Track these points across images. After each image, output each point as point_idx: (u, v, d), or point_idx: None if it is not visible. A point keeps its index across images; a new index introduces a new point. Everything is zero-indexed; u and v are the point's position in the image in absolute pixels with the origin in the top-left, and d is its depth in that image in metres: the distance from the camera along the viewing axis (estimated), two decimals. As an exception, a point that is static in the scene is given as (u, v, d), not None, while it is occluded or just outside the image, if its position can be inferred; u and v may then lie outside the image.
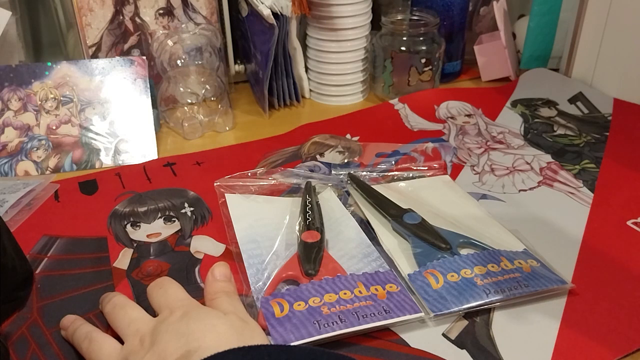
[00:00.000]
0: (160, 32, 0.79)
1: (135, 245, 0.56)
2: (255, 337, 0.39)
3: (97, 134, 0.71)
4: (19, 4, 0.81)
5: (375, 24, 0.83)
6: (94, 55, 0.78)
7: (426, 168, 0.66)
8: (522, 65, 0.90)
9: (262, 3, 0.73)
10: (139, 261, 0.54)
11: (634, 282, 0.50)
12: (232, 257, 0.53)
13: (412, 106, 0.80)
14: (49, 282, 0.51)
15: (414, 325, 0.46)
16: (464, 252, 0.52)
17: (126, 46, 0.79)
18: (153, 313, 0.43)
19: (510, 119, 0.77)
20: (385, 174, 0.65)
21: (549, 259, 0.51)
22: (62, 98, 0.72)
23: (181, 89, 0.77)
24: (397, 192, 0.61)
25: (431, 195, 0.61)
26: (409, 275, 0.49)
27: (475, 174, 0.66)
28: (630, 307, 0.47)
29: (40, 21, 0.89)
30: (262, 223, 0.56)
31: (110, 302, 0.45)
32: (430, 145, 0.71)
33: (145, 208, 0.61)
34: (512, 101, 0.81)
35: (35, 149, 0.70)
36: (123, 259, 0.54)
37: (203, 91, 0.78)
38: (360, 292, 0.47)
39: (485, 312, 0.47)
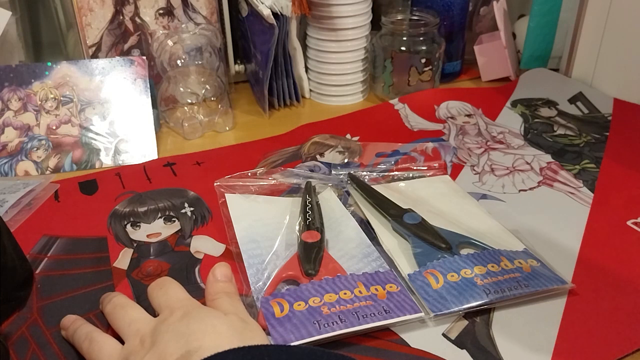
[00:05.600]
0: (160, 32, 0.79)
1: (135, 245, 0.56)
2: (256, 337, 0.39)
3: (97, 134, 0.71)
4: (19, 4, 0.81)
5: (375, 24, 0.83)
6: (94, 55, 0.78)
7: (426, 168, 0.66)
8: (522, 65, 0.90)
9: (262, 3, 0.73)
10: (139, 261, 0.54)
11: (634, 282, 0.50)
12: (232, 257, 0.53)
13: (412, 106, 0.80)
14: (49, 282, 0.51)
15: (414, 325, 0.46)
16: (464, 252, 0.52)
17: (126, 46, 0.79)
18: (153, 313, 0.43)
19: (510, 119, 0.77)
20: (385, 174, 0.65)
21: (549, 259, 0.51)
22: (62, 98, 0.72)
23: (181, 89, 0.77)
24: (397, 192, 0.61)
25: (431, 195, 0.61)
26: (409, 275, 0.49)
27: (475, 174, 0.66)
28: (630, 307, 0.47)
29: (40, 21, 0.89)
30: (262, 223, 0.56)
31: (110, 302, 0.45)
32: (430, 145, 0.71)
33: (145, 208, 0.61)
34: (512, 101, 0.81)
35: (35, 149, 0.70)
36: (123, 259, 0.54)
37: (203, 91, 0.78)
38: (360, 292, 0.47)
39: (485, 312, 0.47)
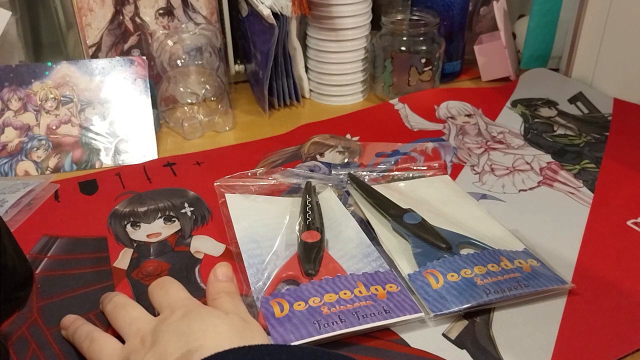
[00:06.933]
0: (160, 32, 0.79)
1: (135, 245, 0.56)
2: (257, 337, 0.39)
3: (97, 134, 0.71)
4: (19, 4, 0.81)
5: (375, 24, 0.83)
6: (94, 55, 0.78)
7: (426, 168, 0.66)
8: (522, 65, 0.90)
9: (262, 3, 0.73)
10: (139, 261, 0.54)
11: (634, 282, 0.50)
12: (232, 257, 0.53)
13: (412, 106, 0.80)
14: (49, 282, 0.51)
15: (414, 325, 0.46)
16: (464, 252, 0.52)
17: (126, 46, 0.79)
18: (153, 313, 0.43)
19: (510, 119, 0.77)
20: (385, 174, 0.65)
21: (549, 259, 0.51)
22: (62, 98, 0.72)
23: (181, 89, 0.77)
24: (397, 192, 0.61)
25: (431, 195, 0.61)
26: (409, 275, 0.49)
27: (475, 174, 0.66)
28: (630, 307, 0.47)
29: (40, 21, 0.89)
30: (262, 223, 0.56)
31: (111, 302, 0.45)
32: (430, 145, 0.71)
33: (145, 208, 0.61)
34: (512, 101, 0.81)
35: (35, 149, 0.70)
36: (123, 259, 0.54)
37: (203, 91, 0.78)
38: (360, 292, 0.47)
39: (485, 312, 0.47)
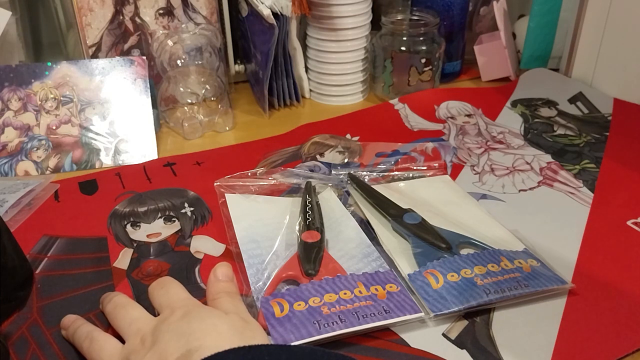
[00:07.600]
0: (160, 32, 0.79)
1: (135, 245, 0.56)
2: (257, 337, 0.39)
3: (97, 134, 0.71)
4: (19, 4, 0.81)
5: (375, 24, 0.83)
6: (94, 55, 0.78)
7: (426, 168, 0.66)
8: (522, 65, 0.90)
9: (262, 3, 0.73)
10: (139, 261, 0.54)
11: (634, 282, 0.50)
12: (232, 257, 0.53)
13: (412, 106, 0.80)
14: (49, 282, 0.51)
15: (414, 325, 0.46)
16: (464, 252, 0.52)
17: (126, 46, 0.79)
18: (153, 313, 0.43)
19: (510, 119, 0.77)
20: (385, 174, 0.65)
21: (549, 259, 0.51)
22: (62, 98, 0.72)
23: (181, 89, 0.77)
24: (397, 192, 0.61)
25: (431, 195, 0.61)
26: (409, 275, 0.49)
27: (475, 174, 0.66)
28: (630, 307, 0.47)
29: (40, 21, 0.89)
30: (262, 223, 0.56)
31: (111, 302, 0.45)
32: (430, 145, 0.71)
33: (145, 208, 0.61)
34: (512, 101, 0.81)
35: (35, 149, 0.70)
36: (123, 259, 0.54)
37: (203, 91, 0.78)
38: (360, 292, 0.47)
39: (485, 312, 0.47)
